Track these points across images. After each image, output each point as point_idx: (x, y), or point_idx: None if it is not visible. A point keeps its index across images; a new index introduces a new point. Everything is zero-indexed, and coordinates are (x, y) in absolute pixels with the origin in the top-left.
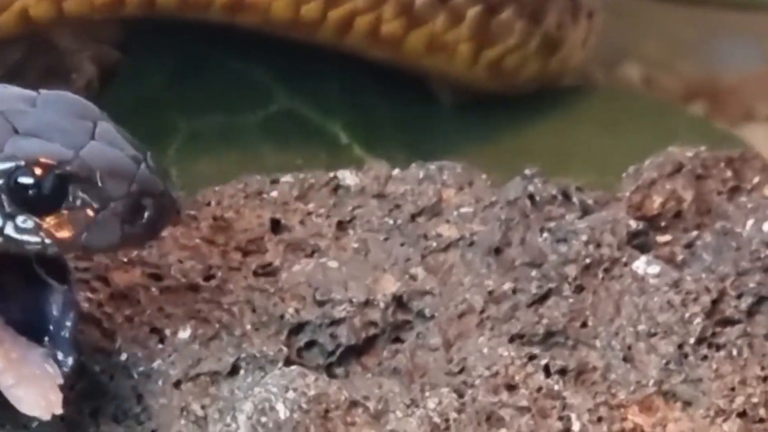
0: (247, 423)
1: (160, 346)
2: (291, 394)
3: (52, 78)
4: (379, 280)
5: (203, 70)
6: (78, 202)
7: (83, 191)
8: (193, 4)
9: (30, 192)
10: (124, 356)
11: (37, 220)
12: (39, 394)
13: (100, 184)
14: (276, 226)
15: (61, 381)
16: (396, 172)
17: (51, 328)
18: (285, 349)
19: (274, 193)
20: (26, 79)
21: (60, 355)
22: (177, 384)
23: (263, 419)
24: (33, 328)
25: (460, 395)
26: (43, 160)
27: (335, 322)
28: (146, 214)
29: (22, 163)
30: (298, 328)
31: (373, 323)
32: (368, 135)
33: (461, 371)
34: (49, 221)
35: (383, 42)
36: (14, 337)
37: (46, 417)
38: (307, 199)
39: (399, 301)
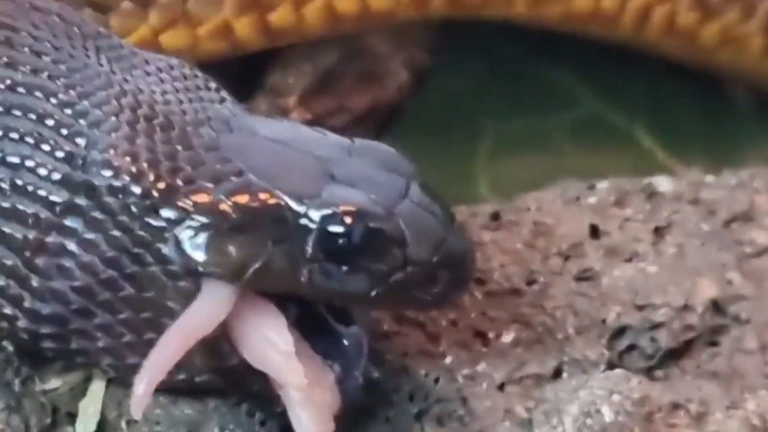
0: (573, 425)
1: (483, 349)
2: (616, 397)
3: (365, 83)
4: (697, 284)
5: (512, 73)
6: (380, 259)
7: (388, 249)
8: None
9: (337, 241)
10: (448, 359)
11: (336, 269)
12: (318, 421)
13: (406, 246)
14: (595, 231)
15: (337, 411)
16: (709, 178)
17: (341, 366)
18: (607, 353)
19: (592, 199)
20: (340, 84)
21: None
22: (501, 387)
23: (589, 422)
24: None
25: None
26: (358, 211)
27: (655, 326)
28: (439, 286)
29: (338, 210)
30: (619, 332)
31: (691, 327)
32: (671, 140)
33: None
34: (347, 272)
35: (678, 34)
36: (311, 357)
37: None
38: (623, 205)
39: (715, 306)
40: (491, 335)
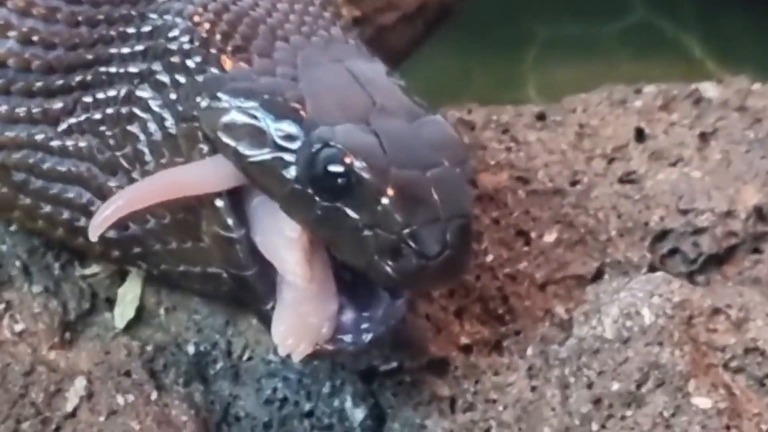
0: (612, 326)
1: (525, 248)
2: (656, 300)
3: None
4: (741, 191)
5: None
6: (357, 209)
7: (370, 202)
8: None
9: (323, 172)
10: (489, 257)
11: (314, 198)
12: (294, 334)
13: (391, 209)
14: (640, 134)
15: (323, 341)
16: (756, 86)
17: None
18: (649, 256)
19: (638, 103)
20: None
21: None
22: (542, 286)
23: (628, 323)
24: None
25: None
26: (355, 154)
27: (698, 231)
28: (402, 263)
29: (339, 146)
30: (661, 236)
31: (734, 233)
32: (721, 50)
33: None
34: (324, 207)
35: None
36: (327, 280)
37: (282, 353)
38: (670, 110)
39: (759, 213)
40: (533, 234)
